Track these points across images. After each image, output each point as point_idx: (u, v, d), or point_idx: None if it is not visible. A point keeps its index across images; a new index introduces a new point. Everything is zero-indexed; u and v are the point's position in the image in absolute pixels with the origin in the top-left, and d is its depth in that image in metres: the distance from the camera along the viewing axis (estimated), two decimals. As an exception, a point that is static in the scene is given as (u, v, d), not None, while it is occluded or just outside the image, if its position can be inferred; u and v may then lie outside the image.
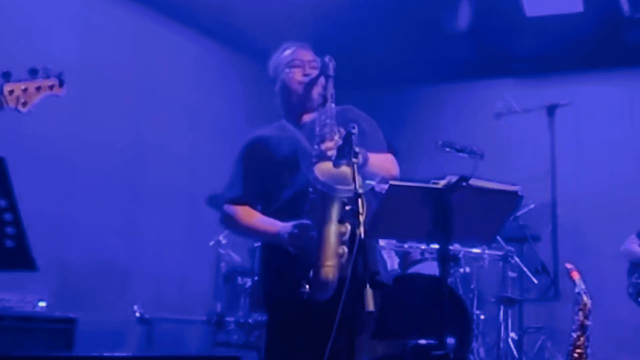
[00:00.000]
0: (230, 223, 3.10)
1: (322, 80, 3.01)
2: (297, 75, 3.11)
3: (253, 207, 3.06)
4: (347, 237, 2.72)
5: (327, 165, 2.74)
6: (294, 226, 2.81)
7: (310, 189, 2.79)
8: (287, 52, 3.19)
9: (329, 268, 2.72)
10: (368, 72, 6.72)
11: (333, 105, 2.90)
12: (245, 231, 3.11)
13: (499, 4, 6.17)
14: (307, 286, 2.74)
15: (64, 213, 5.43)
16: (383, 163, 3.04)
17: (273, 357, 3.00)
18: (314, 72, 3.09)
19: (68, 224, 5.46)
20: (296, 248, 2.81)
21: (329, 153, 2.79)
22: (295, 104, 3.14)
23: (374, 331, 3.02)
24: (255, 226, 3.02)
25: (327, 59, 2.96)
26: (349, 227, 2.73)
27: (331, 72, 2.93)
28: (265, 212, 3.04)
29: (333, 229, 2.73)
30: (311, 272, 2.74)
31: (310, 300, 2.74)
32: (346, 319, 2.56)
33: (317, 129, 2.88)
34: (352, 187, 2.61)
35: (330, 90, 2.92)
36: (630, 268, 5.37)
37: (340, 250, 2.72)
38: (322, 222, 2.74)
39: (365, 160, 2.86)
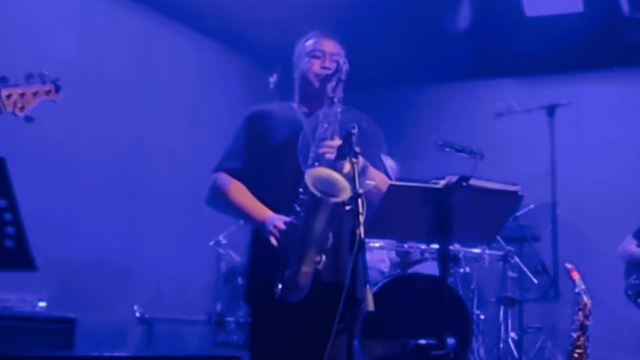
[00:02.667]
0: (219, 194, 3.08)
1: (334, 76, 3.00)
2: (315, 67, 3.10)
3: (245, 183, 3.04)
4: (328, 245, 2.73)
5: (320, 170, 2.72)
6: (284, 222, 2.81)
7: (300, 189, 2.78)
8: (311, 41, 3.19)
9: (304, 274, 2.75)
10: (368, 72, 6.70)
11: (339, 109, 2.89)
12: (232, 207, 3.06)
13: (499, 4, 6.17)
14: (280, 286, 2.76)
15: (64, 213, 5.43)
16: (380, 183, 2.99)
17: (257, 357, 3.01)
18: (334, 66, 3.06)
19: (68, 224, 5.45)
20: (277, 242, 2.81)
21: (326, 156, 2.78)
22: (309, 95, 3.13)
23: (372, 331, 3.03)
24: (244, 206, 3.00)
25: (341, 61, 2.97)
26: (331, 235, 2.73)
27: (343, 76, 2.93)
28: (255, 192, 3.02)
29: (316, 236, 2.73)
30: (286, 274, 2.76)
31: (281, 301, 2.77)
32: (345, 323, 2.57)
33: (319, 131, 2.87)
34: (339, 197, 2.60)
35: (339, 93, 2.91)
36: (627, 269, 5.36)
37: (318, 258, 2.73)
38: (305, 226, 2.74)
39: (365, 169, 2.85)
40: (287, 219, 2.82)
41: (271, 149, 3.03)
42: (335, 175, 2.65)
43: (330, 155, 2.79)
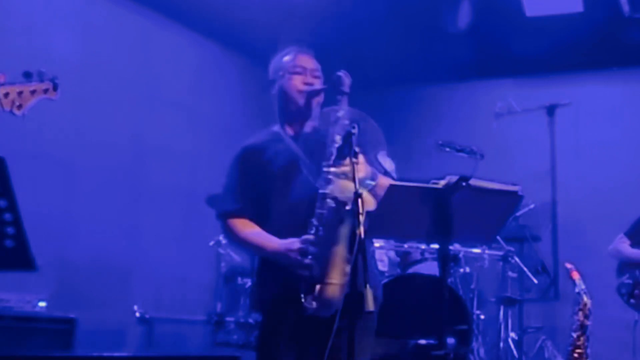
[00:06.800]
0: (230, 236, 3.05)
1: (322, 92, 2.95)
2: (298, 83, 3.03)
3: (250, 219, 2.99)
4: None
5: (345, 183, 2.67)
6: (301, 241, 2.74)
7: (317, 203, 2.73)
8: (289, 56, 3.10)
9: (335, 286, 2.70)
10: (368, 72, 6.71)
11: (346, 122, 2.79)
12: (243, 244, 3.03)
13: (499, 4, 6.17)
14: (314, 303, 2.71)
15: (64, 213, 5.43)
16: (382, 185, 2.94)
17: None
18: (316, 82, 3.03)
19: (68, 224, 5.45)
20: (301, 266, 2.74)
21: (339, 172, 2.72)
22: (292, 112, 3.07)
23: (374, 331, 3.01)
24: (252, 240, 2.96)
25: (342, 74, 2.87)
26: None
27: (347, 88, 2.84)
28: (260, 224, 2.97)
29: (343, 247, 2.69)
30: (317, 289, 2.71)
31: (312, 316, 2.71)
32: (345, 322, 2.55)
33: (329, 145, 2.78)
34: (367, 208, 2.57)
35: (345, 106, 2.82)
36: (619, 268, 5.37)
37: (348, 269, 2.66)
38: (332, 239, 2.70)
39: (374, 175, 2.83)
40: (307, 237, 2.75)
41: (269, 181, 2.96)
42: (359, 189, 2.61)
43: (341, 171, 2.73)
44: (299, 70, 3.05)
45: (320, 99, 2.99)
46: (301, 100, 3.02)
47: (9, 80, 2.71)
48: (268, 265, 3.00)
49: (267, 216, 2.97)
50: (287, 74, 3.06)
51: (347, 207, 2.61)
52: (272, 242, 2.88)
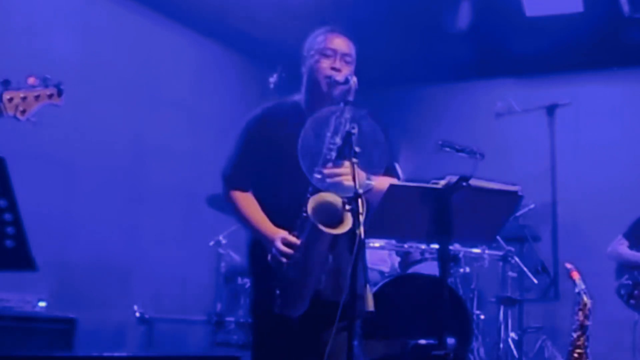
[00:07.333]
0: (230, 205, 3.06)
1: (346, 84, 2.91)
2: (325, 66, 2.97)
3: (253, 191, 3.02)
4: (328, 266, 2.76)
5: (325, 197, 2.68)
6: (283, 242, 2.77)
7: (304, 208, 2.73)
8: (322, 36, 3.05)
9: (304, 292, 2.76)
10: (368, 72, 6.70)
11: (349, 129, 2.73)
12: (240, 219, 3.04)
13: (499, 4, 6.17)
14: (279, 301, 2.76)
15: (64, 213, 5.43)
16: (380, 184, 2.93)
17: None
18: (345, 68, 2.98)
19: (68, 224, 5.45)
20: (276, 260, 2.78)
21: (329, 180, 2.71)
22: (316, 96, 3.02)
23: (372, 331, 3.04)
24: (249, 219, 2.97)
25: (351, 79, 2.84)
26: (330, 258, 2.75)
27: (351, 97, 2.81)
28: (263, 198, 3.00)
29: (316, 259, 2.73)
30: (286, 290, 2.75)
31: (281, 314, 2.77)
32: (343, 321, 2.57)
33: (325, 150, 2.77)
34: (338, 230, 2.60)
35: (347, 115, 2.77)
36: (618, 269, 5.38)
37: (318, 278, 2.75)
38: (307, 248, 2.73)
39: (369, 189, 2.81)
40: (292, 239, 2.77)
41: (278, 154, 2.96)
42: (339, 206, 2.61)
43: (333, 180, 2.72)
44: (328, 52, 3.00)
45: (344, 87, 2.89)
46: (324, 86, 2.98)
47: (14, 85, 2.70)
48: (256, 271, 3.03)
49: (270, 189, 2.98)
50: (316, 55, 3.01)
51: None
52: (267, 228, 2.90)
